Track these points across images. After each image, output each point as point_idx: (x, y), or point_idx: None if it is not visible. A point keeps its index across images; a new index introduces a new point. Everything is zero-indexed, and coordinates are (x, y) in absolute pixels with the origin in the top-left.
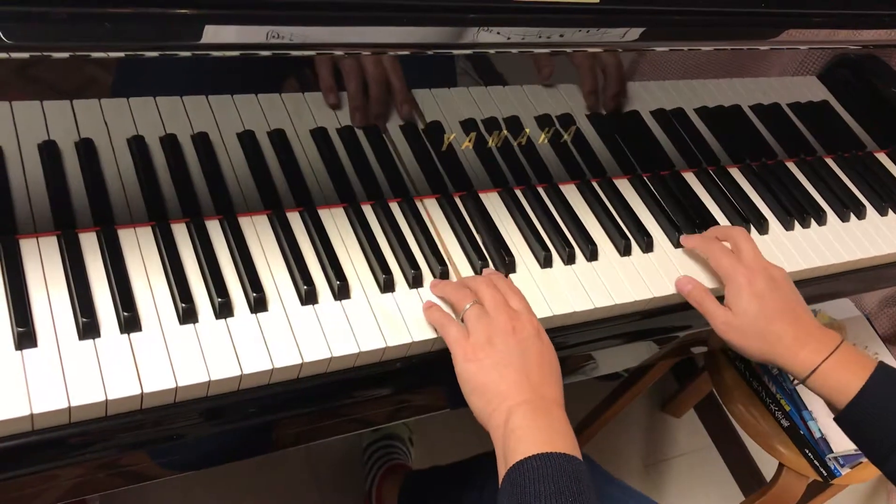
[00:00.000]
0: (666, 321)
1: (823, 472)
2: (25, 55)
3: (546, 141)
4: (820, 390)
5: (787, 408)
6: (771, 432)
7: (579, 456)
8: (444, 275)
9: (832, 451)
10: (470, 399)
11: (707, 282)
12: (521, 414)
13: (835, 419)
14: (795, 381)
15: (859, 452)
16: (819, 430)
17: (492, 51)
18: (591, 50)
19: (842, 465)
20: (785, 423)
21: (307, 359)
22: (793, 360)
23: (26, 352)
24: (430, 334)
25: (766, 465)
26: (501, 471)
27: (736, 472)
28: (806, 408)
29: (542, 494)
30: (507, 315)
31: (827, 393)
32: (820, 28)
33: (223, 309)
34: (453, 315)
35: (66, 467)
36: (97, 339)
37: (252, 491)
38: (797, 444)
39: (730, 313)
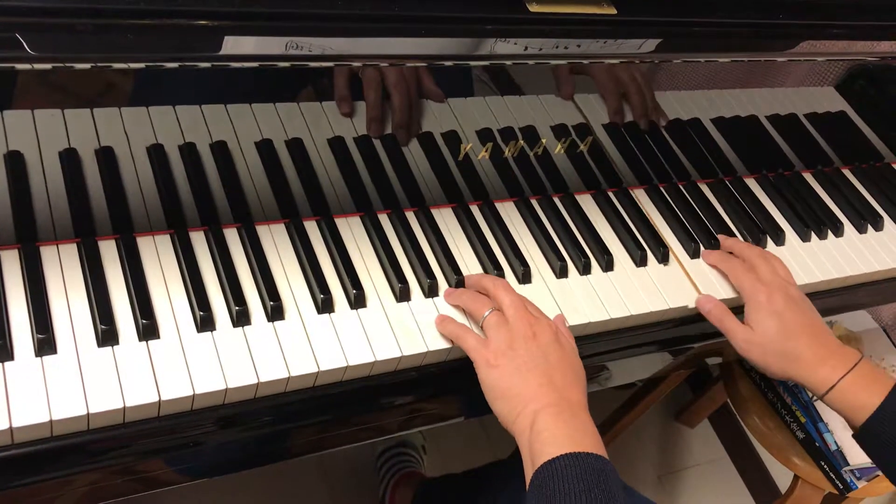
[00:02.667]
0: (681, 332)
1: (839, 484)
2: (48, 66)
3: (562, 151)
4: (838, 407)
5: (803, 419)
6: (786, 444)
7: (606, 456)
8: (459, 284)
9: (848, 464)
10: (494, 404)
11: (725, 292)
12: (546, 416)
13: (853, 436)
14: (814, 398)
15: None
16: (835, 442)
17: (509, 62)
18: (608, 61)
19: (858, 478)
20: (800, 435)
21: (323, 367)
22: (812, 377)
23: (46, 358)
24: (446, 344)
25: (781, 476)
26: (528, 473)
27: (750, 483)
28: (822, 420)
29: (571, 493)
30: (526, 321)
31: (845, 409)
32: (837, 40)
33: (240, 317)
34: (468, 322)
35: (82, 473)
36: (116, 347)
37: (265, 498)
38: (813, 456)
39: (750, 331)
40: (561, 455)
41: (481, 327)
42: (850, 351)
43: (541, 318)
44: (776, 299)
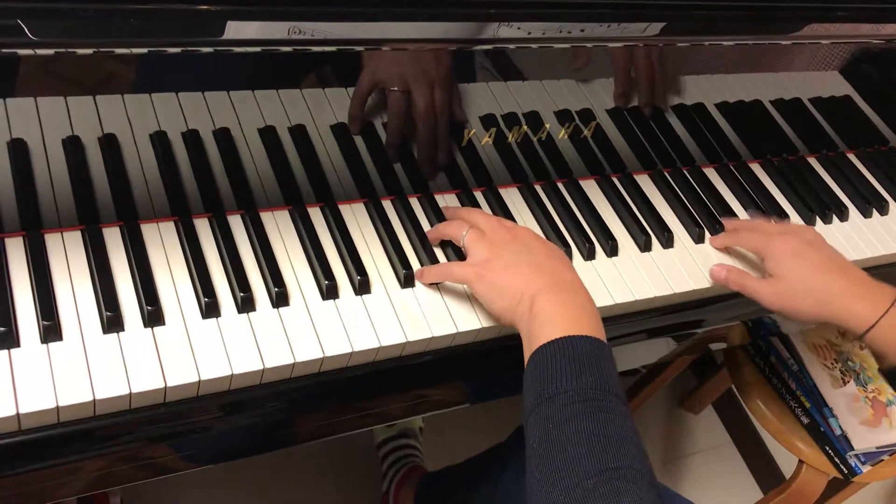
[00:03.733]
0: (685, 317)
1: (844, 469)
2: (50, 51)
3: (566, 136)
4: (878, 346)
5: (807, 404)
6: (790, 429)
7: (603, 336)
8: None
9: (853, 449)
10: (493, 307)
11: None
12: (543, 297)
13: (880, 370)
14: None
15: (881, 450)
16: (840, 427)
17: (512, 46)
18: (611, 45)
19: (863, 463)
20: (805, 420)
21: (328, 353)
22: (848, 315)
23: (52, 345)
24: (451, 329)
25: (786, 461)
26: (527, 357)
27: (755, 469)
28: (826, 405)
29: (564, 376)
30: (503, 229)
31: (884, 348)
32: (842, 22)
33: (245, 303)
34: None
35: (89, 460)
36: (121, 333)
37: (270, 484)
38: (817, 441)
39: (774, 281)
40: (555, 339)
41: (464, 249)
42: (884, 286)
43: (516, 225)
44: (792, 243)
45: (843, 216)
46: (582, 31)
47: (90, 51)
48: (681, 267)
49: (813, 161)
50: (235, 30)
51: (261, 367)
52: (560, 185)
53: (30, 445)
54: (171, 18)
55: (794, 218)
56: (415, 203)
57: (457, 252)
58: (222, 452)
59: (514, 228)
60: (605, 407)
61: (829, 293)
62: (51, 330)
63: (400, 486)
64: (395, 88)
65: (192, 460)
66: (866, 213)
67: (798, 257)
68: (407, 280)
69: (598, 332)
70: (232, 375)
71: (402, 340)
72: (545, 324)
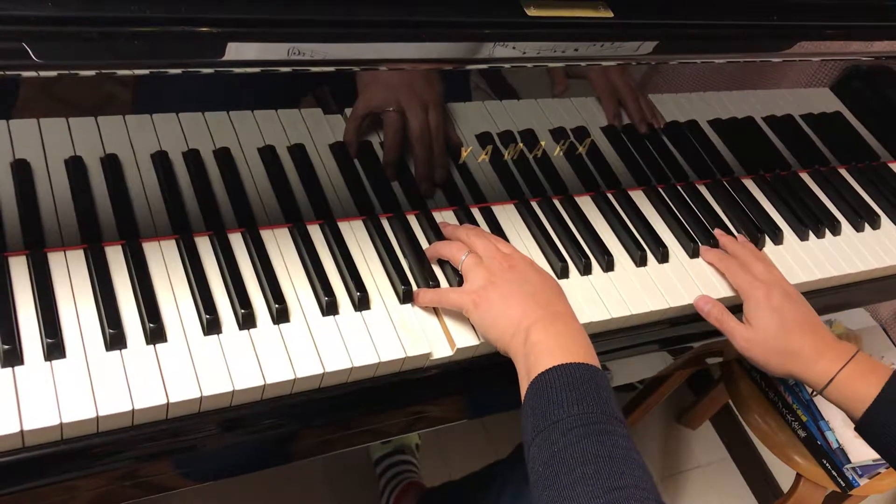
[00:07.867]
0: (681, 331)
1: (841, 482)
2: (53, 73)
3: (561, 153)
4: (837, 400)
5: (804, 418)
6: (788, 443)
7: (597, 364)
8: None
9: (850, 462)
10: (488, 335)
11: (724, 291)
12: (538, 329)
13: (855, 428)
14: (813, 393)
15: (878, 463)
16: (836, 440)
17: (507, 65)
18: (605, 64)
19: (860, 476)
20: (802, 434)
21: (328, 369)
22: (811, 372)
23: (55, 362)
24: (449, 345)
25: (783, 475)
26: (524, 386)
27: (753, 483)
28: (823, 418)
29: (565, 402)
30: (500, 256)
31: (844, 402)
32: (832, 40)
33: (246, 320)
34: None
35: (90, 476)
36: (124, 350)
37: (269, 498)
38: (814, 455)
39: (751, 329)
40: (553, 366)
41: (461, 272)
42: (846, 344)
43: (514, 252)
44: (774, 295)
45: (835, 230)
46: (576, 50)
47: (92, 73)
48: (676, 281)
49: (805, 176)
50: (235, 51)
51: (262, 383)
52: (556, 202)
53: (32, 462)
54: (172, 40)
55: (788, 232)
56: (412, 220)
57: (454, 269)
58: (222, 469)
59: (510, 256)
60: (608, 430)
61: (798, 352)
62: (54, 347)
63: (398, 503)
64: (392, 109)
65: (191, 477)
66: (858, 228)
67: (777, 314)
68: (405, 296)
69: (593, 361)
70: (233, 391)
71: (402, 356)
72: (542, 354)
